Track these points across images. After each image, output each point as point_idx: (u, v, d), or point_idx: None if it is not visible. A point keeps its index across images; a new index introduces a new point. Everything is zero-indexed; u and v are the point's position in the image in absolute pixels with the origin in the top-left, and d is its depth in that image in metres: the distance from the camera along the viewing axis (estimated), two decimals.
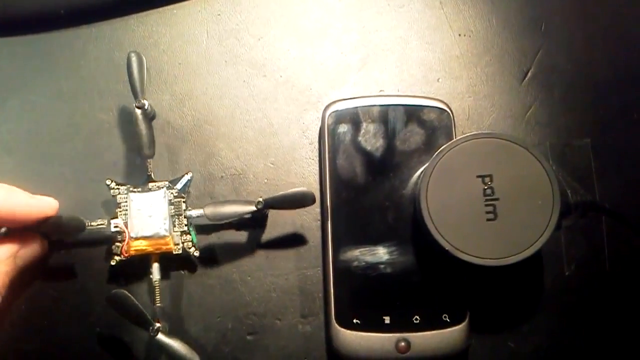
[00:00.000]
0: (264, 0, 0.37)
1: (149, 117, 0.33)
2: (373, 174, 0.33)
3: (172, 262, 0.32)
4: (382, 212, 0.32)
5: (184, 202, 0.32)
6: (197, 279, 0.33)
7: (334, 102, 0.34)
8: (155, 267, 0.31)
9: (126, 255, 0.31)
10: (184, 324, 0.32)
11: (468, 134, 0.30)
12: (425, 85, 0.35)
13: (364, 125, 0.33)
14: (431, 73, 0.36)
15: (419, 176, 0.31)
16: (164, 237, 0.31)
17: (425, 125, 0.33)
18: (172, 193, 0.32)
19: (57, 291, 0.33)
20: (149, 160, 0.32)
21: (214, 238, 0.33)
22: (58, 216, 0.30)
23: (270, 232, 0.33)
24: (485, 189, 0.29)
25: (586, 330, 0.32)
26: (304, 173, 0.34)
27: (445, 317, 0.31)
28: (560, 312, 0.33)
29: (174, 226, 0.31)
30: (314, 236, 0.33)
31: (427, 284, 0.31)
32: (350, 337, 0.30)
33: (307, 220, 0.33)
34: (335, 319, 0.31)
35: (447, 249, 0.29)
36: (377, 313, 0.31)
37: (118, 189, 0.32)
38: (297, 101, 0.35)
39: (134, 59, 0.32)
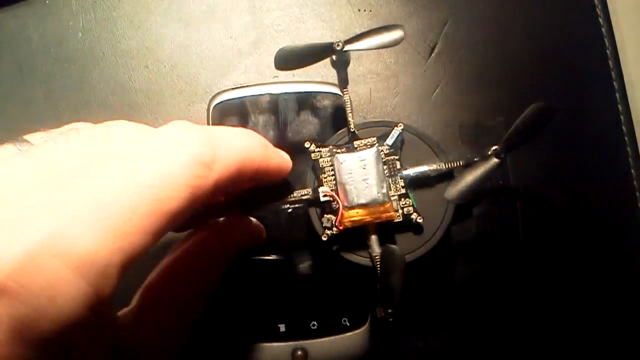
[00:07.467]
0: None
1: None
2: None
3: None
4: (274, 213, 0.29)
5: (397, 160, 0.27)
6: None
7: (218, 93, 0.31)
8: (374, 240, 0.26)
9: (341, 228, 0.26)
10: None
11: (357, 123, 0.27)
12: (323, 69, 0.32)
13: (253, 117, 0.30)
14: None
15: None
16: (383, 203, 0.26)
17: (320, 114, 0.30)
18: (382, 151, 0.27)
19: None
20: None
21: None
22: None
23: None
24: None
25: (499, 325, 0.30)
26: None
27: (344, 321, 0.29)
28: (472, 307, 0.30)
29: (389, 190, 0.27)
30: None
31: (324, 287, 0.29)
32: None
33: None
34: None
35: (334, 249, 0.26)
36: (270, 321, 0.29)
37: (320, 151, 0.27)
38: (183, 93, 0.32)
39: None
